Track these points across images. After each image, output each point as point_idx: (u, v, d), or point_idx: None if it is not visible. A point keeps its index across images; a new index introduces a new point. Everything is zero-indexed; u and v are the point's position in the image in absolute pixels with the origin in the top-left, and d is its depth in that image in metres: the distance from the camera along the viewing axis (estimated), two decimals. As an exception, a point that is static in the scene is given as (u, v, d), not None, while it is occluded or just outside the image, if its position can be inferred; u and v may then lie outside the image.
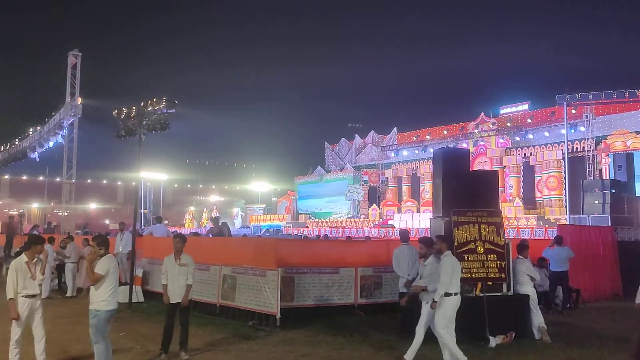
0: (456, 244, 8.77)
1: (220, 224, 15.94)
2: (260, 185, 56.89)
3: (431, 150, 37.06)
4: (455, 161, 9.69)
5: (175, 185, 63.83)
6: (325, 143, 52.72)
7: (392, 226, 33.15)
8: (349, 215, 42.88)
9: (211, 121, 64.21)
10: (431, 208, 11.77)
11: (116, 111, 12.79)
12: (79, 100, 36.50)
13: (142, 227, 39.78)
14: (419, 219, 34.33)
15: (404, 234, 9.95)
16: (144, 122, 12.38)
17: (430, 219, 9.78)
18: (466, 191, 9.32)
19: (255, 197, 57.30)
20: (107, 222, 55.34)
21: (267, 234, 38.03)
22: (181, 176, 59.80)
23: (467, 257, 8.82)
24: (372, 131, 48.27)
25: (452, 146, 34.01)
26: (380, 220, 38.08)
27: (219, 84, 69.60)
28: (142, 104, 12.46)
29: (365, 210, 42.73)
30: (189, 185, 65.72)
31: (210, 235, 14.58)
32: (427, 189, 38.45)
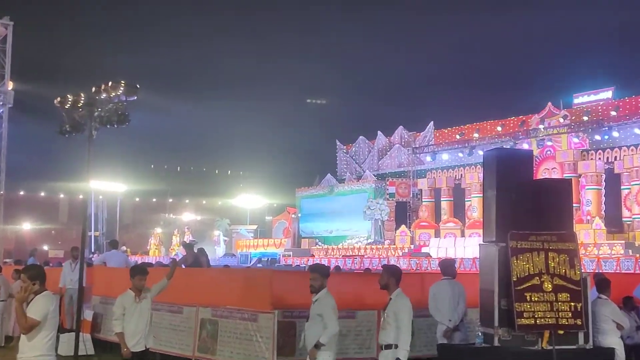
0: (514, 279, 8.68)
1: (195, 251, 16.00)
2: (250, 199, 57.18)
3: (480, 152, 37.05)
4: (513, 167, 9.62)
5: (137, 200, 64.31)
6: (338, 143, 53.18)
7: (428, 255, 33.09)
8: (370, 241, 42.86)
9: (185, 113, 64.74)
10: (480, 230, 11.70)
11: (59, 99, 12.87)
12: (10, 84, 36.81)
13: (92, 255, 40.08)
14: (464, 246, 34.27)
15: (446, 266, 9.94)
16: (96, 114, 12.43)
17: (479, 244, 9.70)
18: (528, 207, 9.24)
19: (244, 216, 57.54)
20: (45, 247, 55.66)
21: (260, 265, 38.05)
22: (144, 187, 60.36)
23: (530, 297, 8.73)
24: (401, 127, 48.35)
25: (509, 147, 33.95)
26: (412, 246, 38.03)
27: (197, 66, 70.19)
28: (94, 89, 12.51)
29: (391, 234, 42.73)
30: (154, 200, 66.22)
31: (184, 266, 14.69)
32: (475, 205, 38.41)
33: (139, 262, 34.46)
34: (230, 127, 68.62)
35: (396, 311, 7.38)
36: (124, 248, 43.62)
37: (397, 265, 29.68)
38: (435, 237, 38.51)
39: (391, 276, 7.61)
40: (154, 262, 36.94)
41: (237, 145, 67.22)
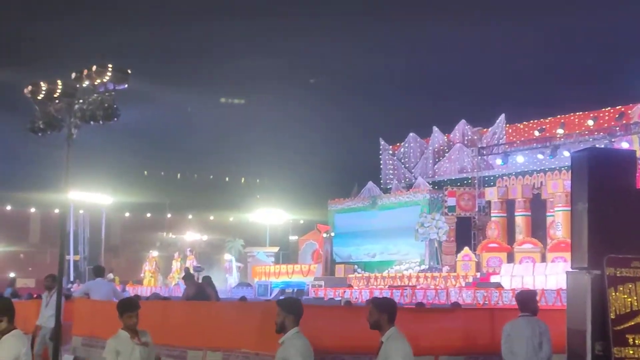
0: (613, 316, 8.58)
1: (199, 281, 16.09)
2: (270, 215, 57.36)
3: (566, 153, 36.69)
4: (611, 172, 9.50)
5: (127, 215, 64.85)
6: (382, 142, 53.41)
7: (499, 285, 32.88)
8: (423, 267, 42.73)
9: (189, 107, 64.95)
10: (567, 254, 11.59)
11: (30, 88, 13.00)
12: (-32, 70, 37.67)
13: (71, 285, 40.48)
14: (545, 273, 33.97)
15: (525, 300, 9.88)
16: (77, 107, 12.54)
17: (566, 272, 9.62)
18: (631, 225, 9.13)
19: (262, 236, 57.76)
20: (11, 274, 56.24)
21: (283, 298, 38.15)
22: (137, 199, 60.73)
23: (633, 340, 8.63)
24: (463, 121, 48.20)
25: (603, 146, 33.58)
26: (478, 275, 37.83)
27: (204, 50, 70.13)
28: (74, 75, 12.64)
29: (451, 258, 42.60)
30: (149, 215, 66.78)
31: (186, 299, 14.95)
32: (559, 222, 38.11)
33: (131, 293, 34.83)
34: (245, 124, 68.22)
35: (388, 358, 7.39)
36: (111, 276, 43.94)
37: (460, 300, 29.60)
38: (508, 262, 38.22)
39: (382, 312, 7.67)
40: (148, 293, 37.71)
41: (253, 147, 66.96)
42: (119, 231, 64.81)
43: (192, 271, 41.26)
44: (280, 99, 64.47)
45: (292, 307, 7.75)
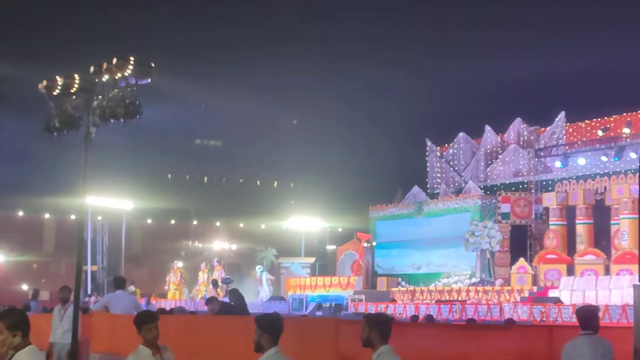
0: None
1: (228, 292, 16.17)
2: (306, 222, 57.29)
3: (634, 155, 36.27)
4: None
5: (149, 222, 65.09)
6: (429, 143, 53.23)
7: (558, 300, 32.61)
8: (474, 280, 42.48)
9: (215, 104, 64.91)
10: (634, 266, 11.50)
11: (45, 84, 13.09)
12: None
13: (89, 298, 40.73)
14: (609, 287, 33.61)
15: (586, 316, 9.81)
16: (96, 103, 12.64)
17: (633, 286, 9.56)
18: None
19: (297, 245, 57.94)
20: (24, 287, 56.75)
21: (320, 313, 38.20)
22: (160, 204, 60.95)
23: None
24: (518, 120, 47.83)
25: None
26: (535, 289, 37.51)
27: (234, 42, 70.10)
28: (92, 69, 12.71)
29: (505, 270, 42.30)
30: (173, 222, 66.96)
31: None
32: (625, 230, 37.67)
33: (151, 306, 34.89)
34: (278, 123, 68.38)
35: None
36: (133, 288, 44.10)
37: (514, 316, 29.41)
38: (568, 275, 37.83)
39: (373, 328, 7.77)
40: (172, 306, 37.68)
41: (286, 148, 67.03)
42: (141, 239, 65.00)
43: (220, 283, 41.88)
44: (320, 96, 64.53)
45: (267, 325, 7.81)
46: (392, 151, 60.50)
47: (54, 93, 13.01)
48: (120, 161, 54.37)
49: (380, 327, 7.85)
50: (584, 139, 43.59)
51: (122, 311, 14.57)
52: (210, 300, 17.22)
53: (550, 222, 42.95)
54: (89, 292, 46.67)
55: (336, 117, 63.12)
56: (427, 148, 52.98)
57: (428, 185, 52.13)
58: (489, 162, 48.62)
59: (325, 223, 59.38)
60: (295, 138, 65.53)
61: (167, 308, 34.46)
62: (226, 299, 21.71)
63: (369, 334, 7.76)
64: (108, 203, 51.46)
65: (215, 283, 41.39)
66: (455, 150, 51.51)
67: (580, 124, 45.10)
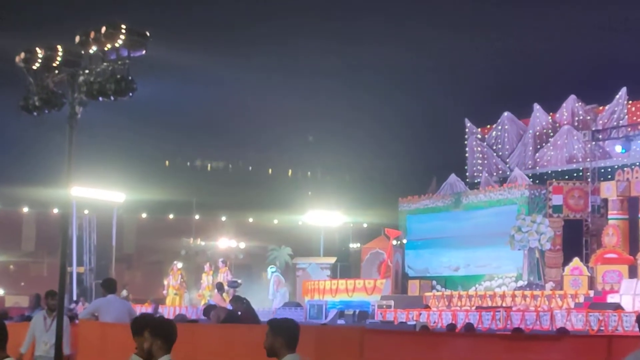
0: None
1: (235, 301, 16.25)
2: (326, 216, 57.42)
3: None
4: None
5: (144, 216, 65.14)
6: (468, 124, 53.36)
7: (618, 307, 32.55)
8: (521, 283, 42.49)
9: (220, 80, 64.88)
10: None
11: (23, 56, 13.12)
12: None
13: (75, 304, 40.81)
14: (679, 293, 33.67)
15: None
16: (82, 79, 12.65)
17: None
18: None
19: (315, 243, 58.40)
20: (0, 292, 56.90)
21: (342, 322, 38.27)
22: (156, 197, 60.88)
23: None
24: (572, 97, 47.72)
25: None
26: (591, 293, 37.44)
27: (243, 7, 69.96)
28: (78, 39, 12.70)
29: (557, 272, 42.46)
30: (171, 216, 66.93)
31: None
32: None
33: (145, 312, 34.98)
34: (293, 103, 68.04)
35: None
36: (125, 293, 44.26)
37: (567, 325, 29.37)
38: (630, 277, 37.76)
39: (277, 335, 7.94)
40: (172, 314, 37.69)
41: (303, 131, 67.36)
42: (134, 237, 65.26)
43: (226, 287, 41.92)
44: (343, 71, 64.43)
45: (281, 327, 8.06)
46: (426, 133, 60.67)
47: (34, 67, 13.03)
48: (110, 146, 54.98)
49: (284, 333, 7.95)
50: (650, 118, 43.57)
51: (114, 319, 14.56)
52: (209, 309, 17.25)
53: (609, 216, 42.74)
54: (75, 297, 46.76)
55: (360, 93, 63.14)
56: (467, 130, 53.07)
57: (467, 174, 52.23)
58: (538, 146, 48.60)
59: (347, 217, 59.63)
60: (313, 119, 65.82)
61: (166, 315, 34.57)
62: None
63: (272, 341, 7.91)
64: (96, 194, 51.52)
65: (220, 287, 41.14)
66: (499, 133, 51.51)
67: (645, 100, 45.05)
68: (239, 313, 17.39)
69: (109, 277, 25.03)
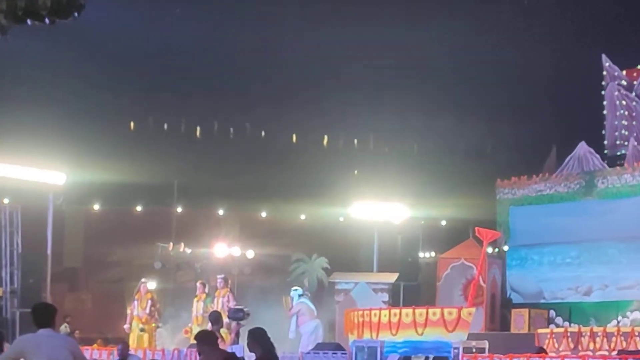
0: None
1: (254, 338, 15.83)
2: (381, 210, 57.58)
3: None
4: None
5: (97, 208, 64.93)
6: (606, 64, 53.17)
7: None
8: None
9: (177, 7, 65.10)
10: None
11: None
12: None
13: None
14: None
15: None
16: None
17: None
18: None
19: (365, 251, 58.96)
20: None
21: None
22: (116, 178, 60.55)
23: None
24: None
25: None
26: None
27: None
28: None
29: None
30: (139, 208, 66.43)
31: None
32: None
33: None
34: (332, 30, 68.17)
35: None
36: (65, 328, 43.82)
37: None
38: None
39: (255, 340, 10.56)
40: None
41: (346, 76, 67.04)
42: (81, 241, 65.03)
43: (226, 319, 41.45)
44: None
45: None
46: (539, 79, 60.39)
47: None
48: (44, 99, 55.18)
49: (260, 340, 10.35)
50: None
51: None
52: (215, 319, 16.85)
53: None
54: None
55: (435, 18, 62.95)
56: (604, 72, 52.98)
57: (606, 142, 52.34)
58: None
59: (415, 211, 59.19)
60: (362, 57, 65.61)
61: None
62: (237, 348, 20.88)
63: (252, 347, 9.96)
64: (22, 174, 51.30)
65: (216, 319, 40.56)
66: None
67: None
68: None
69: (42, 301, 24.88)
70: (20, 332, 44.95)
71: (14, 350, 15.90)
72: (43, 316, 15.72)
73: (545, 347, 40.66)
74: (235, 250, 61.43)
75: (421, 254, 59.58)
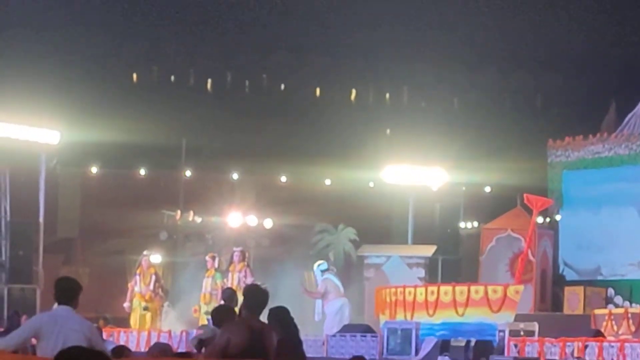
0: None
1: (274, 317, 16.44)
2: (417, 174, 57.31)
3: None
4: None
5: (95, 171, 64.73)
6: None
7: None
8: None
9: None
10: None
11: None
12: None
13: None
14: None
15: None
16: None
17: None
18: None
19: (398, 222, 58.84)
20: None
21: (445, 359, 37.93)
22: (115, 137, 60.38)
23: None
24: None
25: None
26: None
27: None
28: None
29: None
30: (142, 172, 66.24)
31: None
32: None
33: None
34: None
35: None
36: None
37: None
38: None
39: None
40: (143, 346, 36.91)
41: (375, 17, 66.74)
42: (77, 208, 65.42)
43: (240, 295, 40.93)
44: None
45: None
46: (597, 25, 59.61)
47: None
48: (35, 48, 54.83)
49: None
50: None
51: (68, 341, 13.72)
52: (229, 299, 16.55)
53: None
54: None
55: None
56: None
57: None
58: None
59: (455, 176, 59.07)
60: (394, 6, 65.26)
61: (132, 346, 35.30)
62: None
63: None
64: (11, 132, 51.14)
65: (229, 296, 40.00)
66: None
67: None
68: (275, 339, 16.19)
69: (67, 275, 24.64)
70: (8, 309, 45.54)
71: (29, 328, 15.68)
72: (65, 291, 15.41)
73: (602, 330, 40.27)
74: (252, 220, 61.24)
75: (462, 225, 59.51)
